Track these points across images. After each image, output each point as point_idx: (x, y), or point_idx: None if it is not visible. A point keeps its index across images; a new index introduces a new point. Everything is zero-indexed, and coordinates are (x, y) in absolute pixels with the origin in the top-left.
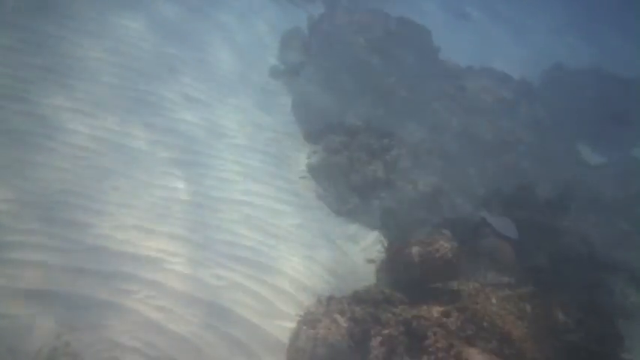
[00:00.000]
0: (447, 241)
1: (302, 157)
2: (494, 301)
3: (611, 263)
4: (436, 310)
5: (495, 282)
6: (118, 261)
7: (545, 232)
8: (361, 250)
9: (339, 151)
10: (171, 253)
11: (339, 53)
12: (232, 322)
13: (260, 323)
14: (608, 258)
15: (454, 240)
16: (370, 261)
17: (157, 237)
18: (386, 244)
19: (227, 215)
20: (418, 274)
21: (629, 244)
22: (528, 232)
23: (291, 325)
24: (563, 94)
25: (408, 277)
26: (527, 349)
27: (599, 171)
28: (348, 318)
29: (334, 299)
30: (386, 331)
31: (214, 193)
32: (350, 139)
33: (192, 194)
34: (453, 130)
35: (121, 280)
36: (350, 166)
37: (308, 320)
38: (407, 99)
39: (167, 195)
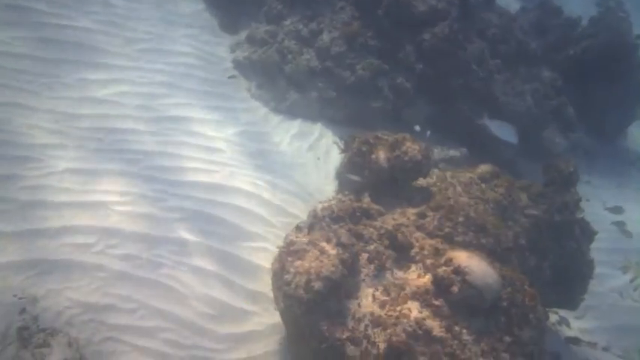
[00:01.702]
0: (414, 142)
1: (224, 52)
2: (459, 189)
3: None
4: (411, 213)
5: (445, 156)
6: (63, 214)
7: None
8: (309, 148)
9: (265, 42)
10: (116, 192)
11: None
12: (200, 254)
13: (230, 249)
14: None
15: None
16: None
17: (97, 177)
18: (342, 145)
19: (163, 138)
20: (387, 178)
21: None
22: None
23: (263, 244)
24: None
25: (376, 181)
26: (501, 234)
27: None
28: (335, 244)
29: (316, 224)
30: (371, 247)
31: (143, 113)
32: (275, 26)
33: (120, 119)
34: (384, 2)
35: (73, 234)
36: (281, 58)
37: (292, 251)
38: None
39: (94, 125)
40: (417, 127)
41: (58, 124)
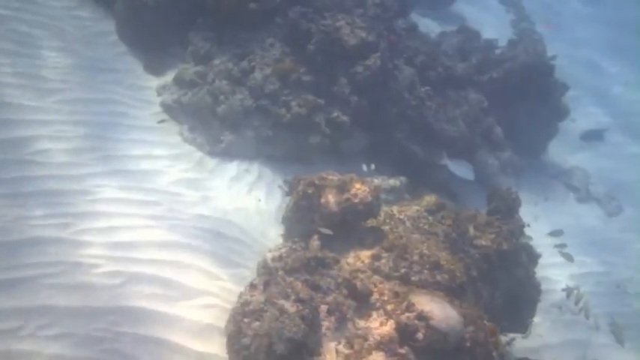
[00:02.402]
0: (363, 183)
1: (151, 96)
2: (408, 224)
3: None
4: (365, 256)
5: (386, 187)
6: None
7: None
8: (249, 190)
9: (195, 84)
10: (45, 264)
11: None
12: (144, 320)
13: (176, 311)
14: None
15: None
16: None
17: (21, 248)
18: (286, 188)
19: (92, 196)
20: (338, 221)
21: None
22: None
23: (212, 301)
24: None
25: (326, 225)
26: (456, 270)
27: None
28: (294, 300)
29: (272, 280)
30: (330, 298)
31: (68, 171)
32: (204, 66)
33: (44, 180)
34: (314, 38)
35: None
36: (213, 99)
37: (248, 312)
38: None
39: (15, 190)
40: (365, 167)
41: None
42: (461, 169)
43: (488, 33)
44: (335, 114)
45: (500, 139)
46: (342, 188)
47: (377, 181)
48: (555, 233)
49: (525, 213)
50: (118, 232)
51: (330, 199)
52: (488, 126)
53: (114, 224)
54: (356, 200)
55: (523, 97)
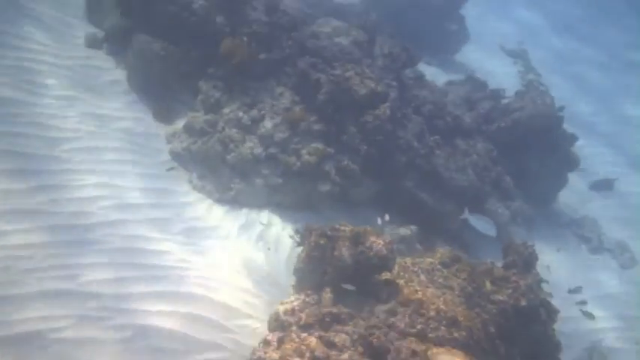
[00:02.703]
0: (378, 236)
1: (161, 144)
2: (423, 277)
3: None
4: (381, 311)
5: (396, 236)
6: None
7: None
8: (258, 239)
9: (205, 132)
10: (53, 317)
11: (169, 13)
12: None
13: None
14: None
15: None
16: None
17: (28, 301)
18: (297, 239)
19: (101, 246)
20: (352, 274)
21: None
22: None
23: (221, 355)
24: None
25: (340, 277)
26: (473, 326)
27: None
28: (309, 359)
29: (286, 337)
30: (345, 356)
31: (78, 220)
32: (214, 114)
33: (53, 231)
34: (326, 86)
35: None
36: (223, 147)
37: None
38: (266, 60)
39: (23, 241)
40: (380, 220)
41: None
42: (482, 224)
43: (493, 82)
44: (345, 162)
45: (510, 188)
46: (356, 240)
47: (387, 229)
48: (575, 290)
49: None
50: (127, 283)
51: (344, 251)
52: (497, 175)
53: (122, 275)
54: (371, 253)
55: (531, 147)
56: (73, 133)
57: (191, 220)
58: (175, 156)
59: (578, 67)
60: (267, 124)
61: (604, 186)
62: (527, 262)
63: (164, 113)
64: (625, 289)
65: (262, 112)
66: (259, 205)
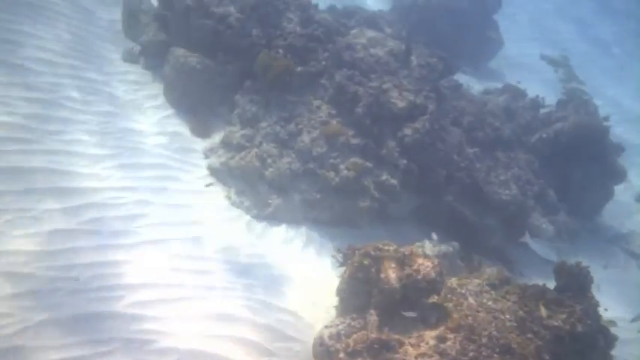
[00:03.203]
0: (425, 257)
1: (198, 159)
2: (472, 301)
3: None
4: (430, 337)
5: (437, 253)
6: None
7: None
8: (298, 256)
9: (242, 147)
10: (98, 342)
11: (205, 26)
12: None
13: None
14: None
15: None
16: None
17: (75, 325)
18: (340, 258)
19: (143, 267)
20: (399, 298)
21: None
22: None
23: None
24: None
25: (386, 301)
26: (527, 354)
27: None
28: None
29: None
30: None
31: (119, 240)
32: (251, 129)
33: (96, 251)
34: (364, 99)
35: None
36: (261, 163)
37: None
38: (303, 72)
39: (68, 262)
40: (434, 236)
41: (27, 266)
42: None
43: (532, 91)
44: (384, 177)
45: (554, 202)
46: (402, 261)
47: (428, 245)
48: (637, 318)
49: None
50: (170, 305)
51: (391, 274)
52: (540, 188)
53: (166, 296)
54: (419, 277)
55: (575, 159)
56: (113, 150)
57: (229, 237)
58: (213, 171)
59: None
60: (305, 138)
61: None
62: (582, 285)
63: (201, 127)
64: None
65: (299, 126)
66: (297, 221)
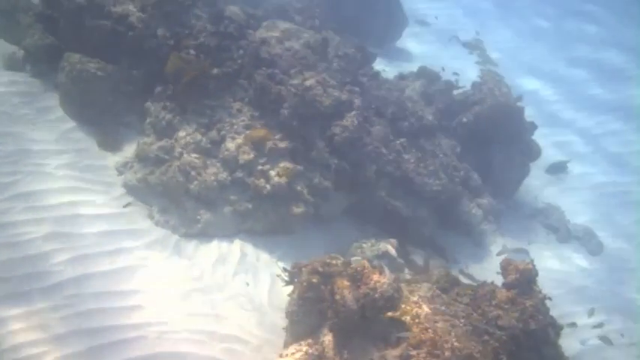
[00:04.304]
0: (379, 273)
1: (112, 176)
2: (426, 309)
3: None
4: (393, 357)
5: (377, 252)
6: None
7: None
8: (234, 273)
9: (161, 160)
10: None
11: (102, 28)
12: None
13: None
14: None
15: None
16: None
17: None
18: (286, 277)
19: (67, 311)
20: (356, 319)
21: None
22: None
23: None
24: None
25: (344, 323)
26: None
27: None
28: None
29: None
30: None
31: (32, 284)
32: (168, 139)
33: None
34: (289, 100)
35: None
36: (185, 176)
37: None
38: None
39: None
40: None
41: None
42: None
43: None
44: (316, 180)
45: (479, 185)
46: (356, 279)
47: (366, 245)
48: (590, 312)
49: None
50: (102, 354)
51: (347, 294)
52: (466, 173)
53: (96, 344)
54: (376, 295)
55: (495, 140)
56: (9, 177)
57: (160, 262)
58: (130, 189)
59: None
60: (230, 145)
61: (558, 169)
62: (529, 280)
63: (109, 140)
64: (597, 279)
65: (222, 132)
66: (229, 235)
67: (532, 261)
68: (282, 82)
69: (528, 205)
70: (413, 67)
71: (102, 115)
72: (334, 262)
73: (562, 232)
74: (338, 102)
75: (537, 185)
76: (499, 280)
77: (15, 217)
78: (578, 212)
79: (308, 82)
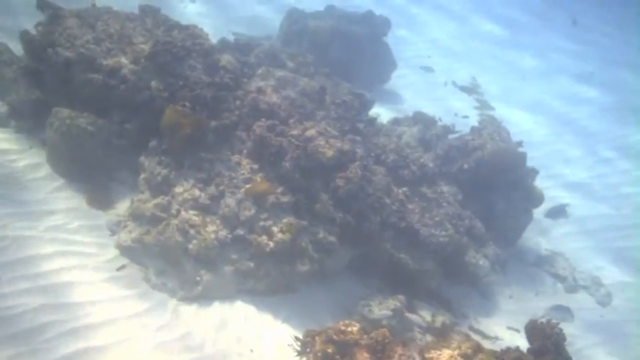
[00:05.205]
0: (402, 345)
1: (104, 237)
2: None
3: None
4: None
5: (386, 312)
6: None
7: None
8: (238, 340)
9: (158, 218)
10: None
11: (92, 82)
12: None
13: None
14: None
15: None
16: None
17: None
18: (297, 346)
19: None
20: None
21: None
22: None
23: None
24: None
25: None
26: None
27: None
28: None
29: None
30: None
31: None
32: (164, 196)
33: None
34: (291, 152)
35: None
36: (183, 235)
37: None
38: (218, 127)
39: None
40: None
41: None
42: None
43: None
44: (321, 234)
45: (482, 234)
46: (376, 350)
47: (373, 303)
48: None
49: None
50: None
51: None
52: (470, 222)
53: None
54: None
55: (496, 187)
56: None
57: (157, 330)
58: (125, 250)
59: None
60: (230, 201)
61: (558, 213)
62: (558, 345)
63: (101, 198)
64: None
65: (221, 187)
66: (231, 296)
67: (558, 323)
68: (283, 133)
69: (532, 252)
70: (404, 110)
71: (92, 171)
72: (350, 329)
73: (569, 282)
74: (340, 153)
75: (538, 230)
76: (509, 337)
77: (3, 289)
78: (583, 259)
79: (309, 133)
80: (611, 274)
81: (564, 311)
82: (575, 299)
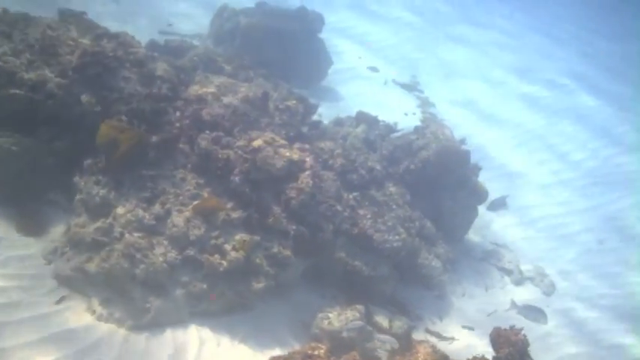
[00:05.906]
0: None
1: (39, 267)
2: None
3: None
4: None
5: (347, 324)
6: None
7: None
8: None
9: (100, 244)
10: None
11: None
12: None
13: None
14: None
15: None
16: None
17: None
18: None
19: None
20: None
21: None
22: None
23: None
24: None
25: None
26: None
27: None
28: None
29: None
30: None
31: None
32: (105, 218)
33: None
34: (239, 165)
35: None
36: (130, 261)
37: None
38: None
39: None
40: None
41: None
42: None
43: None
44: (275, 249)
45: (433, 234)
46: None
47: (333, 315)
48: None
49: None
50: None
51: None
52: (420, 223)
53: None
54: None
55: (442, 186)
56: None
57: None
58: (64, 280)
59: None
60: (177, 220)
61: (499, 205)
62: (522, 352)
63: (31, 223)
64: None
65: (167, 205)
66: (184, 321)
67: (522, 329)
68: (229, 145)
69: (478, 246)
70: (344, 107)
71: (20, 195)
72: (317, 352)
73: (515, 275)
74: (290, 163)
75: (481, 223)
76: (465, 336)
77: None
78: (522, 249)
79: (256, 143)
80: (551, 263)
81: (537, 312)
82: (523, 291)
